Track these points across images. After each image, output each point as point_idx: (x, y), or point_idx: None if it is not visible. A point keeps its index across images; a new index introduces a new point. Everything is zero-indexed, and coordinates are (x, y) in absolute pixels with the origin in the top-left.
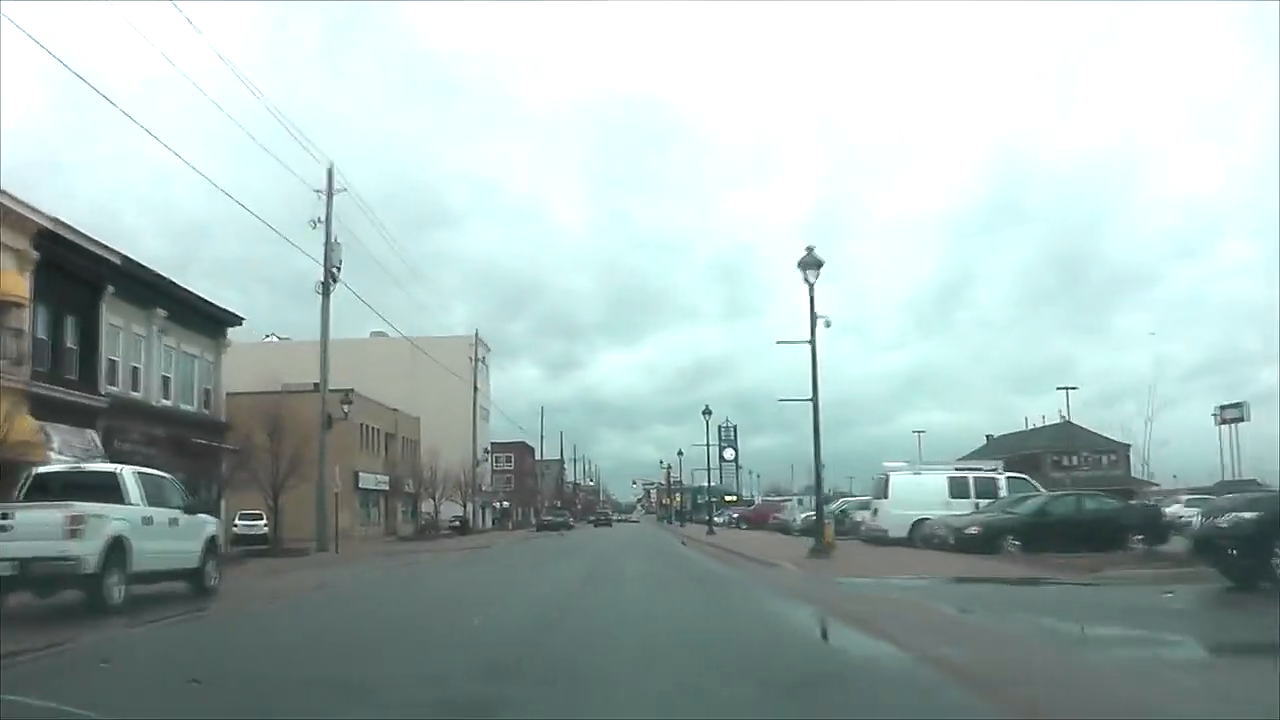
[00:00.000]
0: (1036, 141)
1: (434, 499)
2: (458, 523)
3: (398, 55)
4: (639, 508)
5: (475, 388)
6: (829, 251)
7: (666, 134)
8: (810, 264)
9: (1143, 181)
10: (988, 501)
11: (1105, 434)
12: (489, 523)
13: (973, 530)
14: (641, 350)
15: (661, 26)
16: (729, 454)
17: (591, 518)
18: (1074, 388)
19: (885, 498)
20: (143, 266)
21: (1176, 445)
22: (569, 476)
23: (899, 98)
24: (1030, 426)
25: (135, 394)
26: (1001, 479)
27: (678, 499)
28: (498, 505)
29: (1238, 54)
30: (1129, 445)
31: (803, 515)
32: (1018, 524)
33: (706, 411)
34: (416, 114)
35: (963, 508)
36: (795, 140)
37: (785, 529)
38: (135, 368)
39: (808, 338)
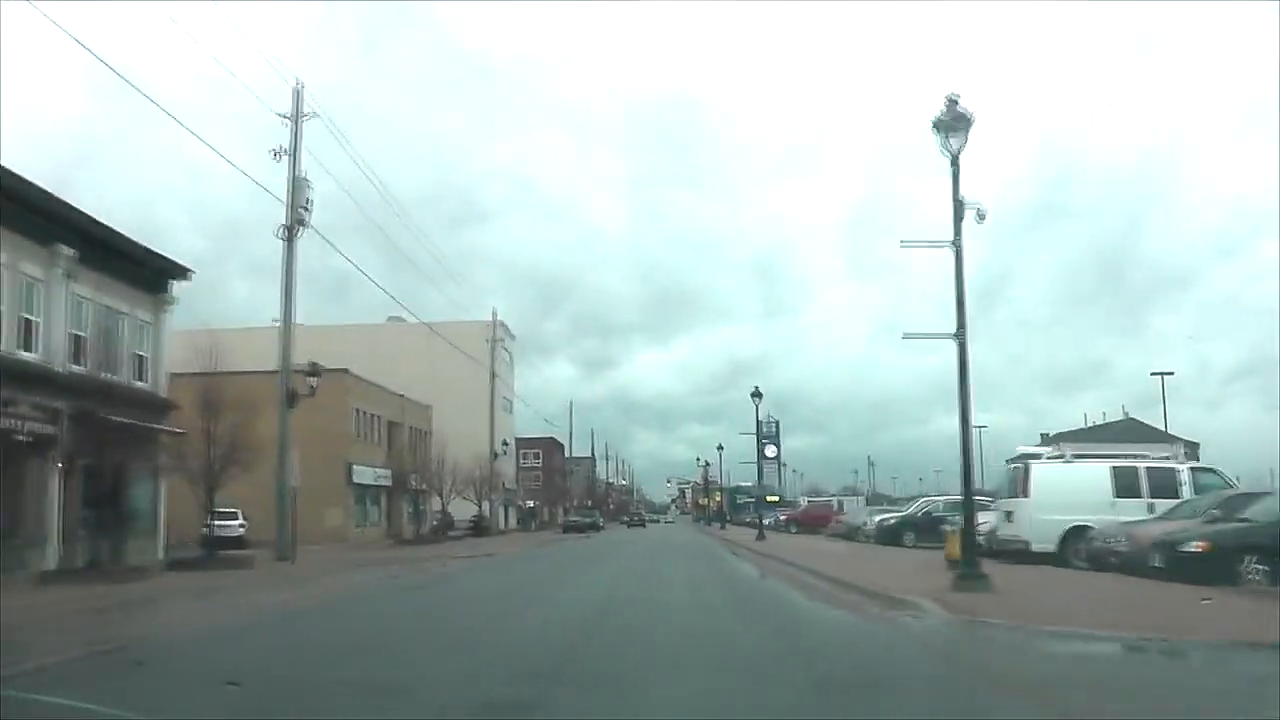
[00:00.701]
0: (1080, 140)
1: (441, 495)
2: (473, 523)
3: (435, 53)
4: (673, 508)
5: (493, 373)
6: (866, 250)
7: (704, 131)
8: (952, 124)
9: (1185, 180)
10: (1171, 503)
11: (1173, 432)
12: (512, 522)
13: (1195, 546)
14: (676, 349)
15: (700, 23)
16: (771, 451)
17: (624, 518)
18: (1169, 373)
19: (1024, 496)
20: (32, 185)
21: (1215, 448)
22: (601, 475)
23: (940, 94)
24: (1089, 424)
25: (26, 354)
26: (1184, 471)
27: (716, 498)
28: (523, 504)
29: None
30: (1198, 444)
31: (878, 519)
32: (1264, 537)
33: (756, 394)
34: (453, 111)
35: (1133, 510)
36: (834, 137)
37: (849, 534)
38: (28, 320)
39: (947, 239)
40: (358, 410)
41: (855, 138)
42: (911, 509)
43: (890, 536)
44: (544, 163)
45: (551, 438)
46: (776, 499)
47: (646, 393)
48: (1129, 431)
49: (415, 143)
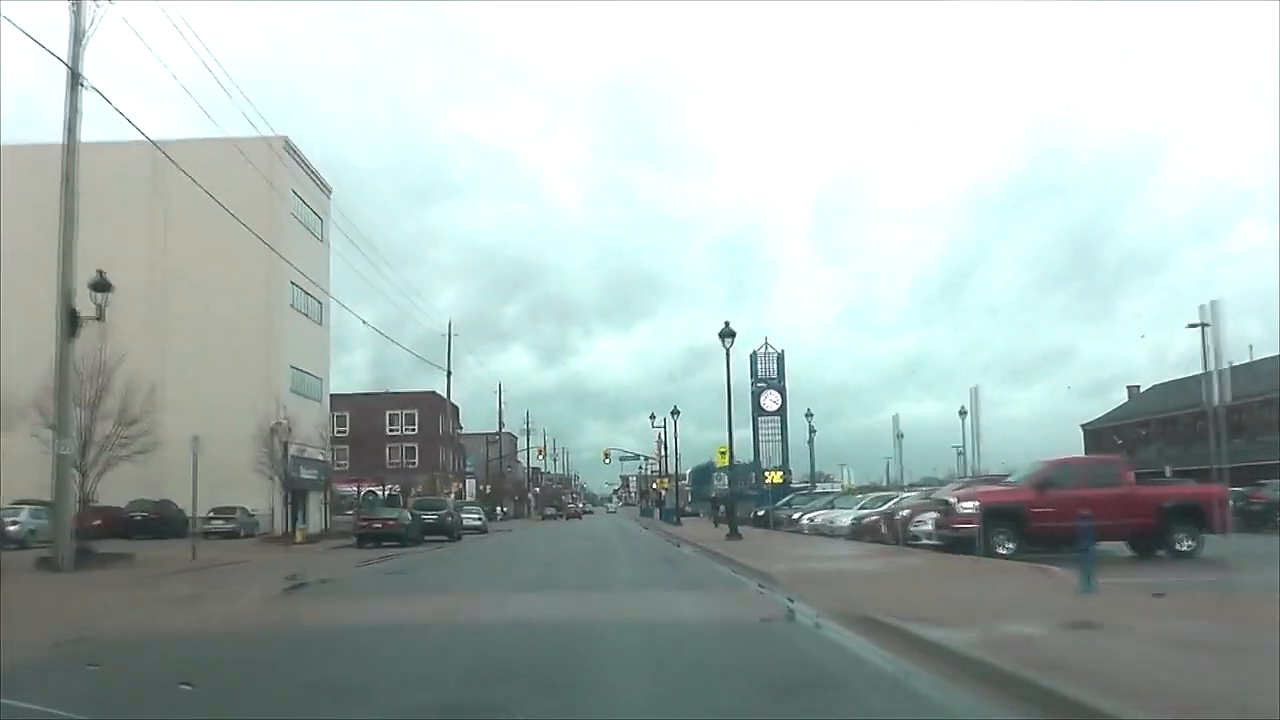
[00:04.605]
0: (1053, 126)
1: None
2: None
3: (400, 18)
4: (615, 497)
5: (72, 105)
6: (837, 233)
7: (672, 109)
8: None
9: (1160, 167)
10: None
11: None
12: (323, 521)
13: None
14: (633, 336)
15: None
16: (771, 401)
17: (549, 509)
18: None
19: None
20: None
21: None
22: (533, 462)
23: (914, 77)
24: (1206, 369)
25: None
26: None
27: (683, 479)
28: (386, 490)
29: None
30: None
31: None
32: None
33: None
34: (417, 82)
35: None
36: (806, 119)
37: None
38: None
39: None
40: None
41: (829, 118)
42: None
43: None
44: (508, 138)
45: (433, 392)
46: (779, 478)
47: (600, 382)
48: None
49: (378, 108)
